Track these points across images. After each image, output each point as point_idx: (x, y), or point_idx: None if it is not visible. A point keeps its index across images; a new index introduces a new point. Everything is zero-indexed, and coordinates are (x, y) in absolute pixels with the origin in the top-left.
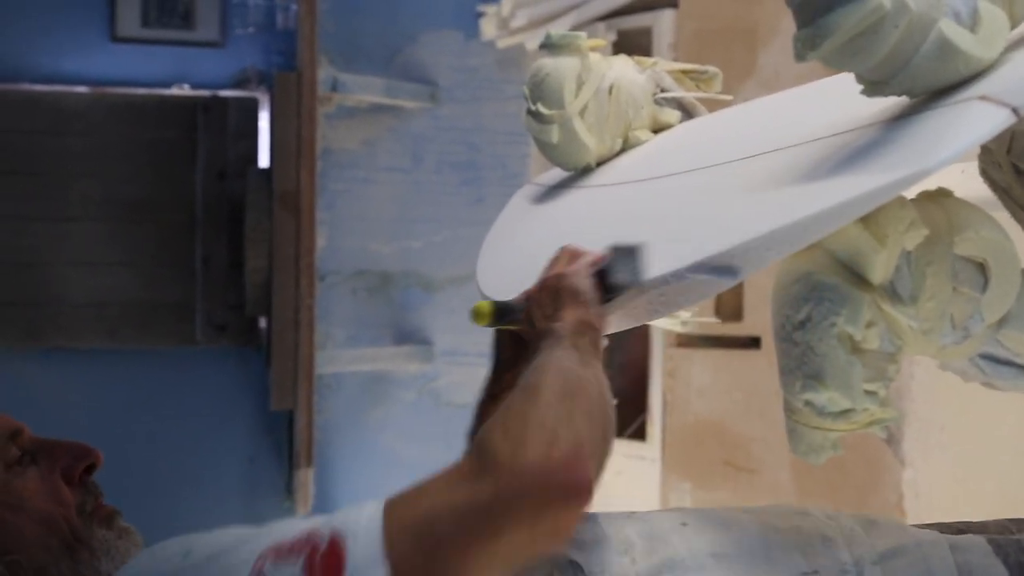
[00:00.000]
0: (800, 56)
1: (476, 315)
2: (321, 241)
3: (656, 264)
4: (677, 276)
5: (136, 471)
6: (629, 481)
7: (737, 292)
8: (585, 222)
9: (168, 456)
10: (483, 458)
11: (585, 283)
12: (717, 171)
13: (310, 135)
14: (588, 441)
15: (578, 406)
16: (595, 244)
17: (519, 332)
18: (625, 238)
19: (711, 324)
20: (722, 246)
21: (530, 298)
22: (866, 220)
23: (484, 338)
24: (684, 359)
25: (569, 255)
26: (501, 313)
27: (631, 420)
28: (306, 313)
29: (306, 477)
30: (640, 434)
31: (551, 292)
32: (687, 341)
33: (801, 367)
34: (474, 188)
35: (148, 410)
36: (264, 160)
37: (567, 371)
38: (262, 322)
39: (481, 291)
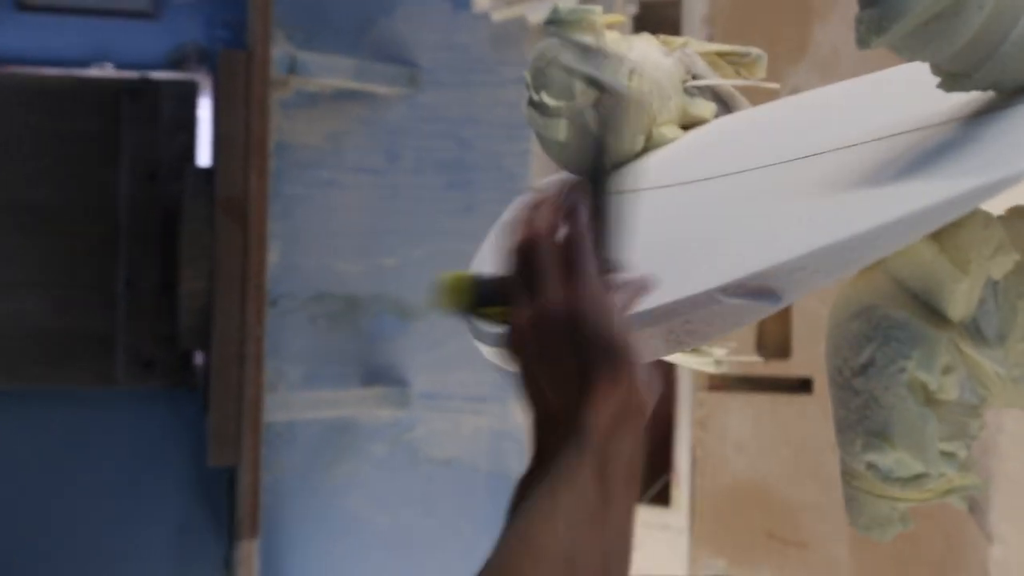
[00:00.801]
0: (863, 42)
1: (443, 291)
2: (274, 257)
3: (680, 285)
4: (707, 299)
5: (35, 543)
6: (649, 557)
7: (784, 322)
8: None
9: (78, 524)
10: None
11: (619, 321)
12: (758, 175)
13: (261, 127)
14: None
15: None
16: None
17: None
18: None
19: (752, 363)
20: (761, 264)
21: (543, 326)
22: (943, 242)
23: (473, 378)
24: (718, 406)
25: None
26: (487, 296)
27: (652, 481)
28: (254, 346)
29: (250, 551)
30: (663, 498)
31: (565, 329)
32: (722, 384)
33: (862, 422)
34: (463, 193)
35: (55, 465)
36: (205, 158)
37: (571, 560)
38: (198, 357)
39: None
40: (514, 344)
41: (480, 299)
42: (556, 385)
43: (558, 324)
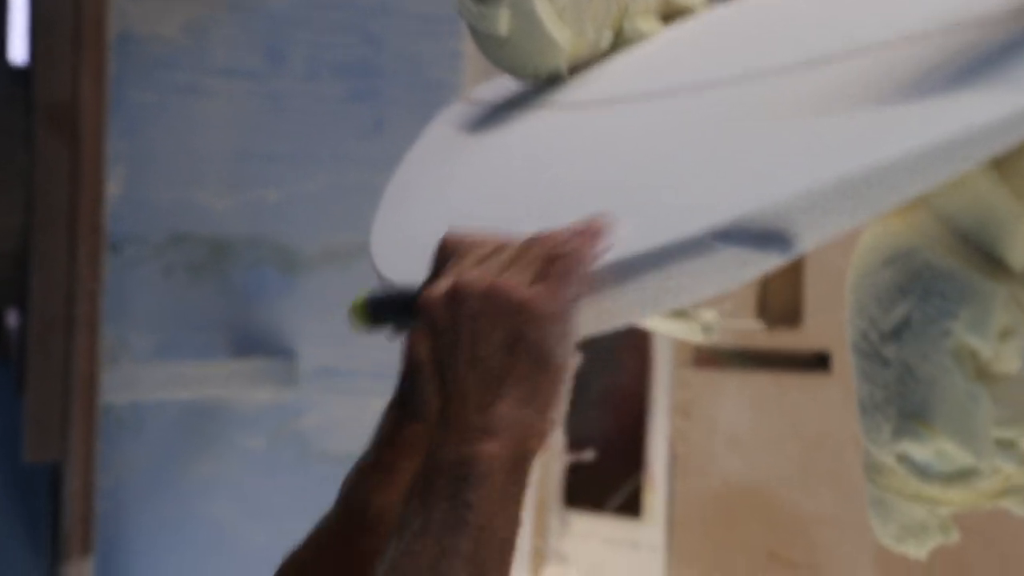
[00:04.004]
0: None
1: (352, 313)
2: (115, 188)
3: (659, 226)
4: (695, 246)
5: None
6: None
7: (794, 280)
8: (552, 166)
9: None
10: None
11: (566, 343)
12: (761, 84)
13: (97, 12)
14: None
15: None
16: (567, 202)
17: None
18: (612, 192)
19: (751, 331)
20: (767, 200)
21: (457, 299)
22: (1004, 169)
23: (383, 350)
24: (706, 387)
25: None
26: (386, 310)
27: (617, 485)
28: (86, 305)
29: (80, 573)
30: (633, 507)
31: (504, 329)
32: (712, 358)
33: (894, 401)
34: (370, 106)
35: None
36: (18, 53)
37: None
38: (12, 318)
39: (378, 273)
40: (425, 313)
41: (377, 317)
42: (458, 374)
43: (476, 302)
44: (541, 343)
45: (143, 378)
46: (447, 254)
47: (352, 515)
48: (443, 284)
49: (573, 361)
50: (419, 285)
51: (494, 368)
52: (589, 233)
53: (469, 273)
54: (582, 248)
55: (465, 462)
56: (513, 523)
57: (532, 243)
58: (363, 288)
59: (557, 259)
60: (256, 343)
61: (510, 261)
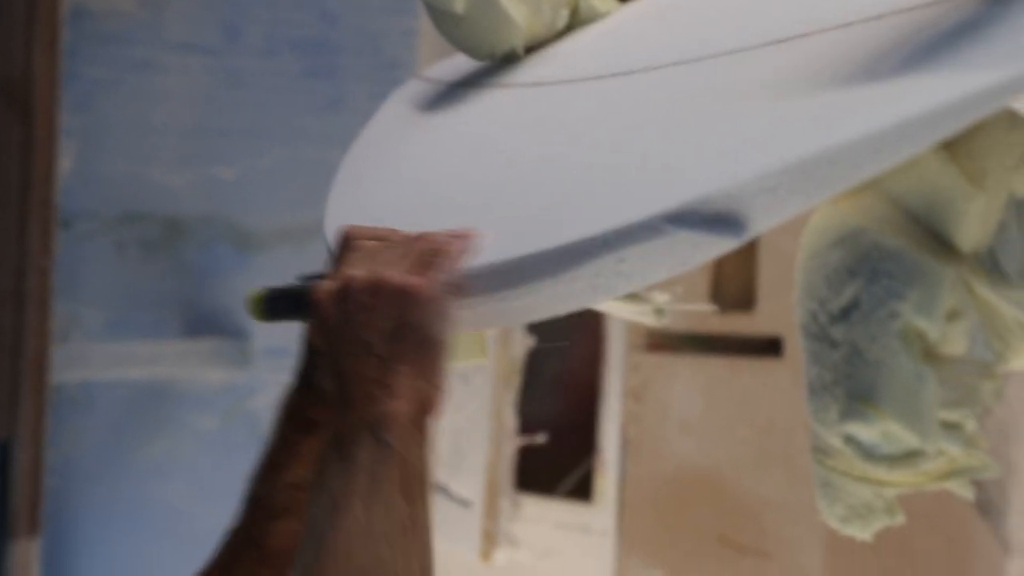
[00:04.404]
0: None
1: (249, 305)
2: (67, 163)
3: (610, 209)
4: (647, 230)
5: None
6: (565, 566)
7: (747, 264)
8: (506, 145)
9: None
10: None
11: (444, 323)
12: (714, 65)
13: None
14: None
15: None
16: (521, 182)
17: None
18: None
19: (704, 314)
20: (719, 183)
21: (345, 295)
22: (954, 149)
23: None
24: (658, 371)
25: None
26: (282, 304)
27: (568, 469)
28: (37, 281)
29: (27, 553)
30: (584, 492)
31: (389, 315)
32: (664, 342)
33: (841, 382)
34: (326, 83)
35: None
36: None
37: (382, 565)
38: None
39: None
40: (317, 309)
41: (274, 310)
42: (357, 360)
43: (363, 296)
44: (422, 324)
45: (94, 356)
46: (346, 243)
47: (260, 508)
48: (331, 282)
49: (449, 338)
50: (311, 282)
51: (383, 350)
52: (461, 237)
53: (355, 270)
54: (453, 247)
55: (377, 417)
56: (426, 465)
57: (411, 242)
58: (258, 285)
59: (432, 254)
60: (209, 322)
61: (392, 256)
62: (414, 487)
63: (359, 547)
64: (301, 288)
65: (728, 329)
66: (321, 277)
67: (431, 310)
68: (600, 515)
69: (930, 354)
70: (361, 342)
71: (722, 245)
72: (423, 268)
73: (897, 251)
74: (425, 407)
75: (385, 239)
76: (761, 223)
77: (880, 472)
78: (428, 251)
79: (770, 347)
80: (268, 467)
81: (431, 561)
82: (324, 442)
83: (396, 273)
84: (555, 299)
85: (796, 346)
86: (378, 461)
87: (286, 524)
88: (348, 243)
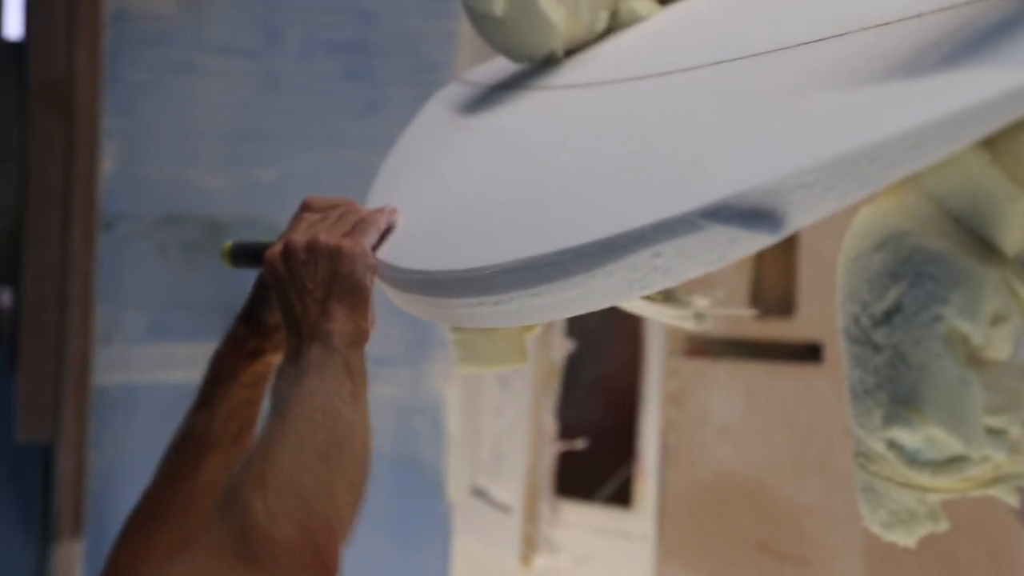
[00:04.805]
0: None
1: (222, 254)
2: (109, 165)
3: (648, 205)
4: (684, 224)
5: None
6: (603, 572)
7: (787, 268)
8: (545, 147)
9: None
10: (232, 523)
11: (369, 273)
12: (752, 65)
13: None
14: (343, 514)
15: (341, 466)
16: (559, 181)
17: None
18: (605, 169)
19: (744, 318)
20: (756, 178)
21: (288, 253)
22: (997, 149)
23: (377, 333)
24: (698, 376)
25: (339, 212)
26: (243, 255)
27: (608, 475)
28: (80, 284)
29: (71, 555)
30: (623, 497)
31: (324, 268)
32: (704, 347)
33: (884, 386)
34: (365, 86)
35: None
36: (14, 28)
37: (336, 416)
38: (5, 297)
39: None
40: (267, 265)
41: (238, 259)
42: (302, 302)
43: (322, 254)
44: (350, 273)
45: (136, 358)
46: (303, 210)
47: (193, 439)
48: (278, 243)
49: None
50: (269, 241)
51: (321, 294)
52: (385, 209)
53: (297, 234)
54: (375, 216)
55: (323, 332)
56: (363, 367)
57: (343, 212)
58: (231, 238)
59: (359, 221)
60: None
61: (329, 224)
62: (355, 374)
63: (319, 400)
64: (258, 245)
65: (768, 334)
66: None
67: (356, 263)
68: (640, 521)
69: (974, 358)
70: (302, 288)
71: (759, 241)
72: (351, 232)
73: (940, 254)
74: (358, 335)
75: (335, 207)
76: (799, 219)
77: (924, 478)
78: (355, 220)
79: (810, 353)
80: (205, 401)
81: (369, 420)
82: (260, 369)
83: (328, 236)
84: (592, 294)
85: (836, 352)
86: (326, 357)
87: (218, 457)
88: (298, 214)
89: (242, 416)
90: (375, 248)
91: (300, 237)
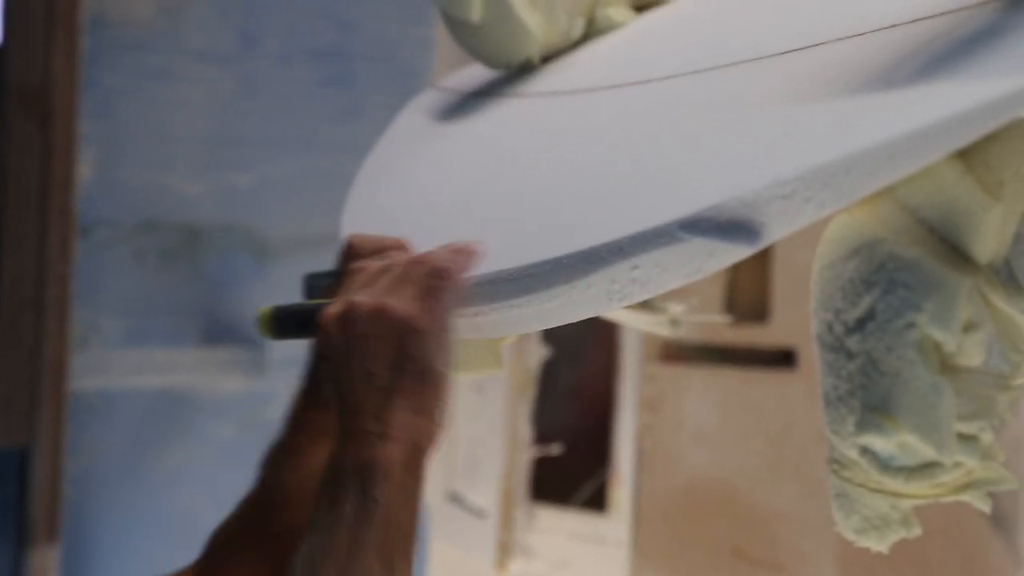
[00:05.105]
0: None
1: (260, 323)
2: (86, 171)
3: (625, 217)
4: (661, 236)
5: None
6: None
7: (761, 276)
8: (522, 155)
9: None
10: None
11: (443, 354)
12: (729, 74)
13: None
14: None
15: (400, 569)
16: (536, 190)
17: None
18: (578, 181)
19: (718, 326)
20: (733, 190)
21: (348, 320)
22: (970, 159)
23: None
24: (673, 382)
25: (410, 260)
26: (288, 321)
27: (583, 480)
28: (56, 289)
29: (46, 561)
30: (598, 503)
31: (391, 345)
32: (679, 353)
33: (857, 393)
34: (342, 91)
35: None
36: None
37: (399, 531)
38: None
39: None
40: (322, 332)
41: (283, 328)
42: (363, 387)
43: (364, 322)
44: (424, 356)
45: (113, 364)
46: (350, 256)
47: (268, 492)
48: (337, 306)
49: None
50: (319, 303)
51: (384, 381)
52: (464, 254)
53: (359, 294)
54: (456, 268)
55: (367, 464)
56: (414, 516)
57: (414, 263)
58: (268, 303)
59: (434, 277)
60: (226, 331)
61: (395, 281)
62: (395, 548)
63: (364, 557)
64: (309, 308)
65: (742, 341)
66: (328, 277)
67: (432, 341)
68: (615, 526)
69: (946, 365)
70: (363, 370)
71: (737, 252)
72: (426, 294)
73: (914, 261)
74: (420, 446)
75: (388, 249)
76: (776, 230)
77: (896, 484)
78: (430, 274)
79: (784, 359)
80: (276, 458)
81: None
82: (324, 450)
83: (399, 301)
84: (570, 306)
85: (810, 358)
86: (361, 518)
87: (292, 511)
88: (351, 260)
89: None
90: (456, 309)
91: (365, 299)
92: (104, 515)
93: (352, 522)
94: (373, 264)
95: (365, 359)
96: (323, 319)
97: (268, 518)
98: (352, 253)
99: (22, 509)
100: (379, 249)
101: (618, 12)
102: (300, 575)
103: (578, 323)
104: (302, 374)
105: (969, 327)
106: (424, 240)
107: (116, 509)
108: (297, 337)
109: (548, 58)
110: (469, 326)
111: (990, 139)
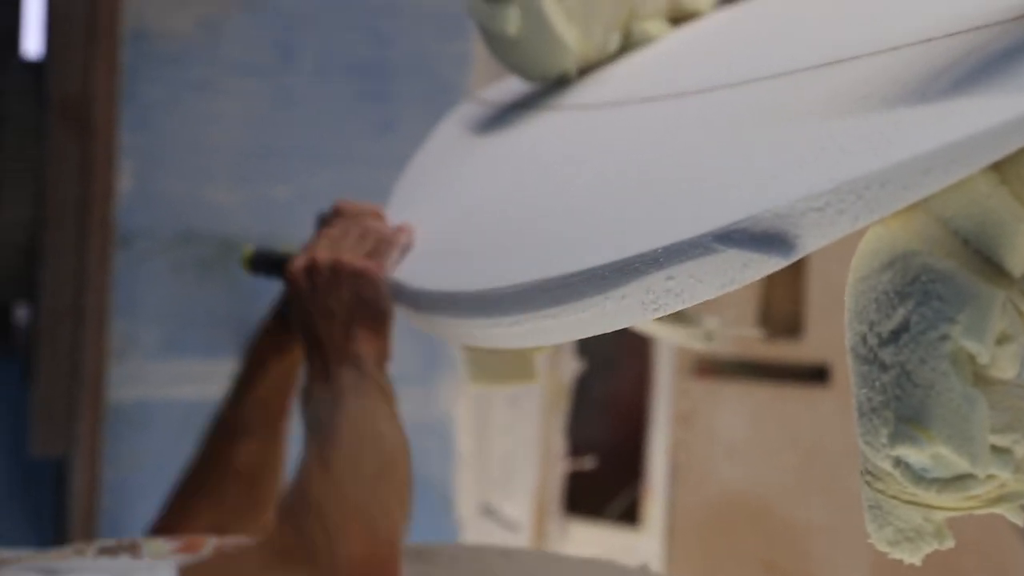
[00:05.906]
0: None
1: (242, 260)
2: (126, 182)
3: (660, 228)
4: (696, 247)
5: None
6: None
7: (795, 291)
8: (558, 167)
9: None
10: (298, 541)
11: (390, 297)
12: (769, 86)
13: (111, 8)
14: (401, 526)
15: (393, 484)
16: (572, 202)
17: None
18: (614, 192)
19: (752, 340)
20: (768, 202)
21: (312, 271)
22: (1005, 171)
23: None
24: (707, 397)
25: (360, 225)
26: (264, 264)
27: (616, 494)
28: (95, 299)
29: None
30: (631, 516)
31: (348, 290)
32: (713, 367)
33: (891, 405)
34: (380, 105)
35: None
36: (33, 46)
37: (382, 437)
38: (20, 312)
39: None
40: (290, 279)
41: (259, 266)
42: (326, 322)
43: (325, 272)
44: (374, 299)
45: (150, 374)
46: (335, 215)
47: (227, 425)
48: (302, 258)
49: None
50: (289, 253)
51: (344, 317)
52: (403, 231)
53: (322, 251)
54: (398, 238)
55: (353, 354)
56: (392, 389)
57: (365, 229)
58: (251, 243)
59: (381, 241)
60: None
61: (352, 242)
62: (388, 395)
63: (364, 425)
64: (281, 256)
65: (775, 356)
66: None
67: (380, 288)
68: (647, 539)
69: (980, 377)
70: (327, 308)
71: (771, 264)
72: (374, 253)
73: (948, 273)
74: (383, 357)
75: (367, 214)
76: (811, 242)
77: (930, 496)
78: (379, 239)
79: (817, 375)
80: (239, 389)
81: (409, 445)
82: (290, 361)
83: (353, 256)
84: (605, 316)
85: (842, 373)
86: (359, 381)
87: (249, 444)
88: (334, 219)
89: (273, 405)
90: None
91: (325, 255)
92: (141, 524)
93: (352, 384)
94: (334, 229)
95: (327, 300)
96: (293, 269)
97: (229, 452)
98: (336, 213)
99: (60, 518)
100: (360, 213)
101: (654, 25)
102: (322, 415)
103: (611, 337)
104: (267, 314)
105: (1003, 339)
106: (463, 252)
107: (153, 519)
108: (268, 276)
109: (584, 71)
110: (506, 336)
111: None
